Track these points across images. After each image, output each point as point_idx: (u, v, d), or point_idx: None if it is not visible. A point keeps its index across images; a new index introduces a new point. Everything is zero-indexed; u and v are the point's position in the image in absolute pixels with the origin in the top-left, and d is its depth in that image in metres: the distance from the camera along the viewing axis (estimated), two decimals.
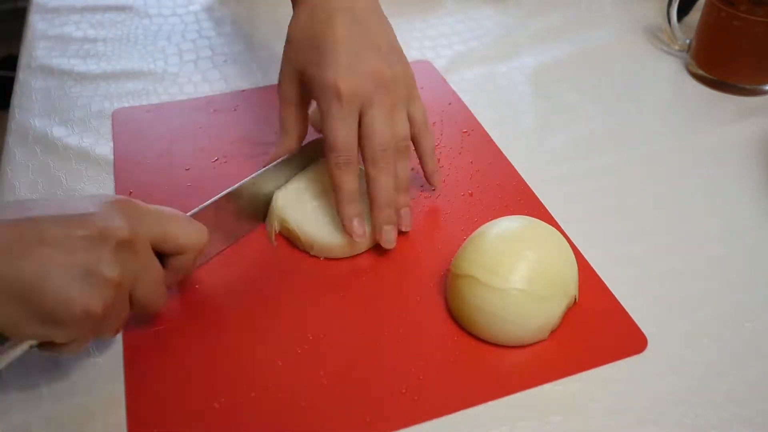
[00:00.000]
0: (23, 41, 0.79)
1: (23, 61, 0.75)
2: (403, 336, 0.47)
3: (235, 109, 0.68)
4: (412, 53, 0.78)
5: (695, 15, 0.76)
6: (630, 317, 0.49)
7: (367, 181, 0.51)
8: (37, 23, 0.81)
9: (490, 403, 0.44)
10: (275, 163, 0.55)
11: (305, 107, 0.55)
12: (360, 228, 0.50)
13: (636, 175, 0.62)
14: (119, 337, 0.47)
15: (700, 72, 0.74)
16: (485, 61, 0.77)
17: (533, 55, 0.79)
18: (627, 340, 0.47)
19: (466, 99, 0.70)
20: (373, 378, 0.45)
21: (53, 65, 0.74)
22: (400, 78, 0.52)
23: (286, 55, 0.53)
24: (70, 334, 0.38)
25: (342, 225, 0.51)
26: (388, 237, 0.51)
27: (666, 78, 0.75)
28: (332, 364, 0.46)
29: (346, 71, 0.49)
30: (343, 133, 0.49)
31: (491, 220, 0.49)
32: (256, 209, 0.54)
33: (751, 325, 0.49)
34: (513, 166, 0.62)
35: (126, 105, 0.68)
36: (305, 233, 0.51)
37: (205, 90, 0.72)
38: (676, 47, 0.78)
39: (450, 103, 0.70)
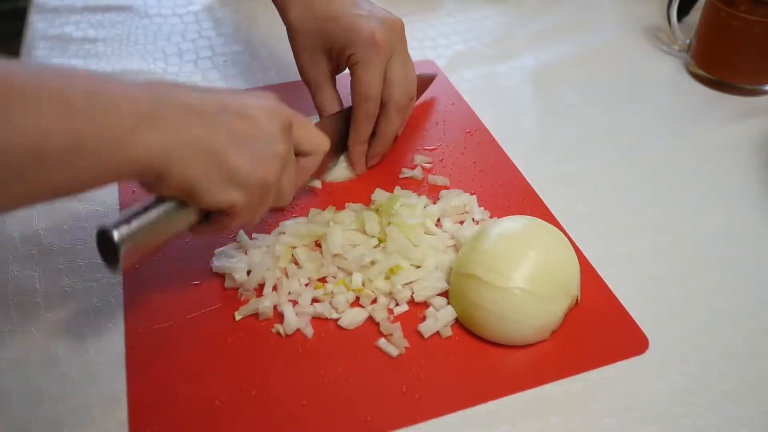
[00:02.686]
0: (23, 41, 0.79)
1: (23, 61, 0.75)
2: (405, 334, 0.47)
3: None
4: (412, 53, 0.78)
5: (695, 15, 0.76)
6: (631, 317, 0.49)
7: (382, 120, 0.58)
8: (37, 23, 0.81)
9: (490, 403, 0.44)
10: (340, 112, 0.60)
11: (335, 85, 0.60)
12: (363, 165, 0.60)
13: (636, 175, 0.62)
14: (120, 336, 0.47)
15: (700, 72, 0.74)
16: (485, 61, 0.77)
17: (533, 55, 0.79)
18: (628, 340, 0.47)
19: (466, 99, 0.70)
20: (373, 378, 0.45)
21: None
22: (403, 27, 0.59)
23: (299, 45, 0.58)
24: (244, 200, 0.41)
25: (350, 159, 0.60)
26: (374, 164, 0.61)
27: (666, 78, 0.75)
28: (333, 363, 0.46)
29: (377, 23, 0.55)
30: (377, 82, 0.55)
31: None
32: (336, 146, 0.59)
33: (751, 325, 0.49)
34: (516, 166, 0.62)
35: None
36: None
37: None
38: (676, 47, 0.78)
39: (453, 103, 0.70)
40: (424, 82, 0.68)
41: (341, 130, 0.59)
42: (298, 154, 0.47)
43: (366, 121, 0.57)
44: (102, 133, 0.34)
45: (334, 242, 0.51)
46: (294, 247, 0.52)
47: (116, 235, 0.38)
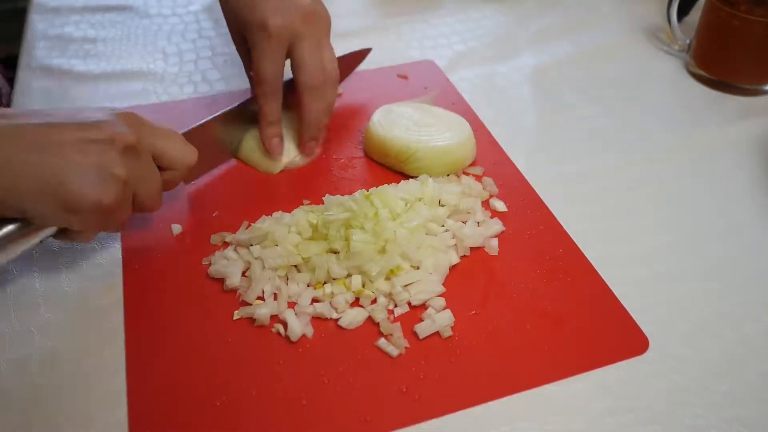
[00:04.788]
0: (23, 41, 0.79)
1: (23, 61, 0.75)
2: (405, 334, 0.47)
3: None
4: (412, 53, 0.79)
5: (695, 15, 0.76)
6: (631, 318, 0.49)
7: (300, 105, 0.59)
8: (37, 23, 0.81)
9: (490, 403, 0.44)
10: (241, 103, 0.61)
11: None
12: (278, 147, 0.60)
13: (636, 175, 0.62)
14: (120, 336, 0.47)
15: (700, 72, 0.74)
16: (485, 61, 0.77)
17: (533, 55, 0.79)
18: (628, 341, 0.47)
19: (466, 99, 0.70)
20: (373, 378, 0.45)
21: (53, 65, 0.74)
22: (323, 15, 0.59)
23: (227, 21, 0.61)
24: (84, 223, 0.45)
25: (263, 144, 0.60)
26: (312, 150, 0.62)
27: (666, 78, 0.75)
28: (333, 363, 0.46)
29: (274, 10, 0.55)
30: (270, 67, 0.56)
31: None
32: (230, 142, 0.62)
33: (751, 325, 0.49)
34: (516, 167, 0.62)
35: (126, 105, 0.68)
36: (247, 158, 0.62)
37: (205, 90, 0.72)
38: (676, 47, 0.78)
39: (454, 103, 0.70)
40: (357, 57, 0.71)
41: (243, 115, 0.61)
42: (162, 166, 0.50)
43: (264, 101, 0.58)
44: None
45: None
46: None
47: None
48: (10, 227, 0.44)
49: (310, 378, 0.45)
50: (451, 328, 0.47)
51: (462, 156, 0.60)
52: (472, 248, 0.53)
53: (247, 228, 0.54)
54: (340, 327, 0.48)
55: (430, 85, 0.72)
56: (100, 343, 0.47)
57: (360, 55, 0.72)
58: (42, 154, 0.42)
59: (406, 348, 0.46)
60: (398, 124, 0.60)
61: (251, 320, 0.48)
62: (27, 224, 0.45)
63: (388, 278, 0.50)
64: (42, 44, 0.77)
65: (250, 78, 0.62)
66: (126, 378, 0.45)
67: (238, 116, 0.61)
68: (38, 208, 0.43)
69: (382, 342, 0.47)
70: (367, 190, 0.54)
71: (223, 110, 0.59)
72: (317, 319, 0.48)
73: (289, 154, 0.61)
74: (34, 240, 0.45)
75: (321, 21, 0.58)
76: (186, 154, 0.51)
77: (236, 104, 0.60)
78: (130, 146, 0.45)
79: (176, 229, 0.55)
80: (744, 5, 0.68)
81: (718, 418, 0.43)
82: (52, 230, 0.46)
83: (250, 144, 0.62)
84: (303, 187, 0.59)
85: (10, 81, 0.74)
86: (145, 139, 0.47)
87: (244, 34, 0.58)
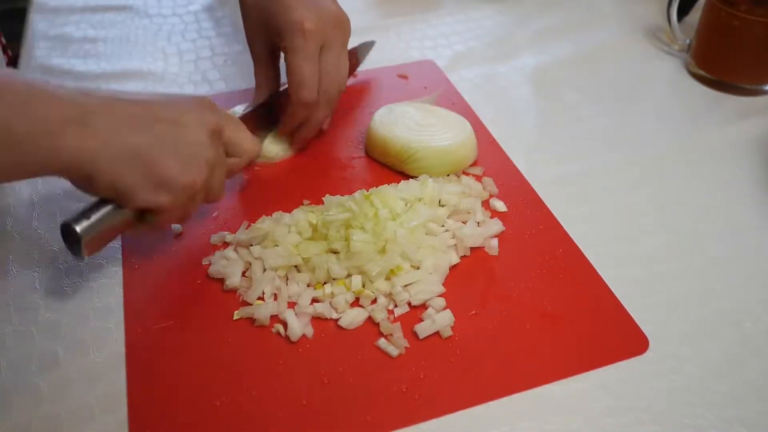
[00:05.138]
0: (23, 41, 0.79)
1: (23, 61, 0.75)
2: (405, 334, 0.47)
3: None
4: (412, 53, 0.79)
5: (695, 15, 0.76)
6: (631, 318, 0.49)
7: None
8: (37, 23, 0.81)
9: (490, 403, 0.44)
10: (251, 107, 0.61)
11: (275, 64, 0.62)
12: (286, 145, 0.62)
13: (636, 174, 0.62)
14: (120, 336, 0.47)
15: (700, 72, 0.74)
16: (485, 61, 0.77)
17: (533, 55, 0.79)
18: (628, 341, 0.47)
19: (466, 99, 0.70)
20: (373, 378, 0.45)
21: (53, 65, 0.74)
22: (348, 22, 0.60)
23: (248, 20, 0.60)
24: (171, 203, 0.44)
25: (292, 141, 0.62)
26: (305, 145, 0.63)
27: (666, 78, 0.75)
28: (333, 363, 0.46)
29: (309, 11, 0.55)
30: (311, 70, 0.56)
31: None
32: None
33: (751, 325, 0.49)
34: (516, 167, 0.62)
35: None
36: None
37: (205, 90, 0.72)
38: (676, 47, 0.78)
39: (454, 103, 0.70)
40: (363, 50, 0.72)
41: (264, 116, 0.61)
42: (229, 154, 0.50)
43: (301, 109, 0.58)
44: (30, 126, 0.38)
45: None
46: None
47: (78, 228, 0.43)
48: (107, 207, 0.44)
49: (310, 378, 0.45)
50: (451, 328, 0.47)
51: (463, 156, 0.60)
52: (472, 248, 0.53)
53: (247, 228, 0.54)
54: (340, 327, 0.48)
55: (430, 85, 0.72)
56: (100, 344, 0.47)
57: (364, 49, 0.72)
58: (137, 128, 0.42)
59: (406, 348, 0.46)
60: (399, 123, 0.60)
61: (251, 320, 0.48)
62: (117, 206, 0.44)
63: (388, 278, 0.50)
64: (42, 44, 0.77)
65: (266, 79, 0.62)
66: (126, 378, 0.45)
67: (258, 118, 0.61)
68: (129, 180, 0.42)
69: (382, 342, 0.47)
70: (367, 190, 0.54)
71: (250, 109, 0.60)
72: (317, 319, 0.48)
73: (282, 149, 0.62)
74: (120, 220, 0.45)
75: (347, 28, 0.59)
76: (253, 145, 0.51)
77: (255, 105, 0.61)
78: (216, 131, 0.46)
79: (176, 229, 0.55)
80: (744, 5, 0.67)
81: (718, 418, 0.43)
82: (132, 214, 0.45)
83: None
84: (303, 187, 0.59)
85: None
86: (219, 124, 0.47)
87: (276, 36, 0.57)
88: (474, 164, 0.62)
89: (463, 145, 0.59)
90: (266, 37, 0.59)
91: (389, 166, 0.61)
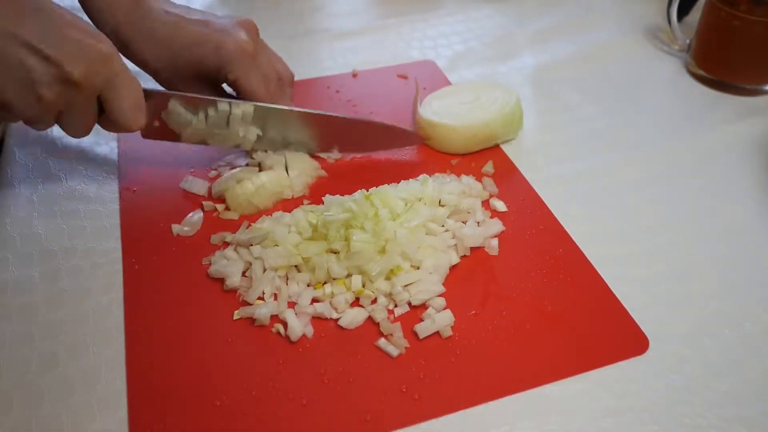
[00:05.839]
0: None
1: None
2: (405, 334, 0.47)
3: None
4: (412, 53, 0.79)
5: (695, 15, 0.76)
6: (631, 318, 0.49)
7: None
8: None
9: (490, 403, 0.44)
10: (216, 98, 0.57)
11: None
12: None
13: (636, 174, 0.62)
14: (120, 336, 0.47)
15: (700, 72, 0.74)
16: (485, 61, 0.77)
17: (533, 55, 0.79)
18: (628, 341, 0.47)
19: None
20: (373, 378, 0.45)
21: None
22: (254, 23, 0.59)
23: (168, 82, 0.57)
24: (16, 119, 0.48)
25: None
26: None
27: (666, 78, 0.75)
28: (333, 363, 0.46)
29: (236, 33, 0.56)
30: (261, 86, 0.57)
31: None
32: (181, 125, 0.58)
33: (751, 325, 0.49)
34: (516, 167, 0.62)
35: None
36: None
37: None
38: (676, 47, 0.78)
39: None
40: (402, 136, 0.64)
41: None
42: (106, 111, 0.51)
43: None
44: None
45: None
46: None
47: None
48: None
49: (310, 378, 0.45)
50: (451, 328, 0.47)
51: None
52: (472, 248, 0.53)
53: (247, 228, 0.54)
54: (340, 327, 0.48)
55: (429, 86, 0.72)
56: (100, 343, 0.47)
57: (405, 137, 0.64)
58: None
59: (406, 348, 0.46)
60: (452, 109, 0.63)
61: (251, 320, 0.48)
62: None
63: (388, 278, 0.50)
64: None
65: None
66: (126, 378, 0.45)
67: (203, 106, 0.56)
68: None
69: (382, 342, 0.47)
70: (367, 190, 0.54)
71: (195, 95, 0.56)
72: (317, 319, 0.48)
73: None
74: None
75: (257, 28, 0.59)
76: (129, 118, 0.51)
77: (212, 97, 0.57)
78: (71, 80, 0.46)
79: (176, 229, 0.55)
80: (744, 5, 0.68)
81: (718, 417, 0.43)
82: None
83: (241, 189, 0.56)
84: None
85: None
86: (97, 77, 0.48)
87: (220, 73, 0.56)
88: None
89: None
90: (203, 83, 0.57)
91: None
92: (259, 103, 0.57)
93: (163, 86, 0.58)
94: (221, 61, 0.55)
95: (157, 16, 0.56)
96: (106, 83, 0.49)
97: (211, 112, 0.56)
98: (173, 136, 0.58)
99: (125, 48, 0.56)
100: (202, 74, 0.56)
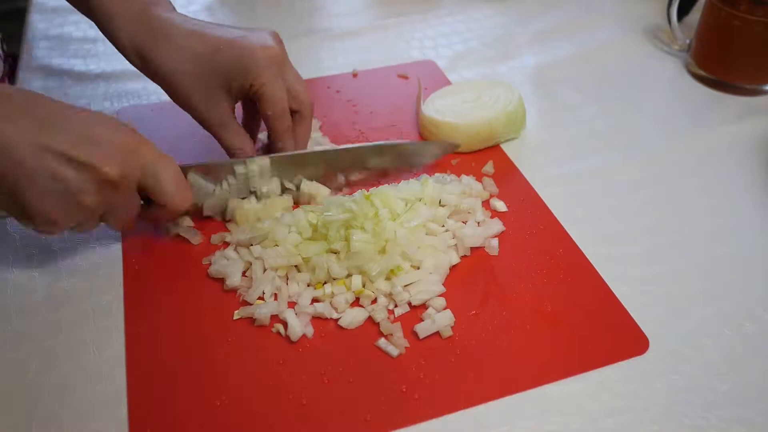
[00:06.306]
0: (23, 41, 0.79)
1: (23, 61, 0.75)
2: (405, 334, 0.47)
3: None
4: (412, 53, 0.79)
5: (695, 15, 0.76)
6: (631, 317, 0.49)
7: (299, 127, 0.57)
8: (37, 23, 0.81)
9: (490, 403, 0.44)
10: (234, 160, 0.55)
11: (235, 119, 0.56)
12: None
13: (636, 174, 0.62)
14: (120, 336, 0.47)
15: (700, 72, 0.74)
16: (485, 61, 0.77)
17: (533, 55, 0.79)
18: (628, 341, 0.47)
19: None
20: (373, 378, 0.45)
21: (53, 65, 0.74)
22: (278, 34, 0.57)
23: (187, 88, 0.53)
24: (35, 225, 0.45)
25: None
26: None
27: (666, 78, 0.75)
28: (333, 363, 0.46)
29: (262, 39, 0.54)
30: (285, 95, 0.55)
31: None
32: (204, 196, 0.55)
33: (751, 325, 0.49)
34: (516, 166, 0.62)
35: (126, 105, 0.68)
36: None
37: None
38: (676, 47, 0.78)
39: None
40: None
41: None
42: (151, 199, 0.48)
43: (289, 135, 0.56)
44: None
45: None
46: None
47: None
48: None
49: (310, 378, 0.45)
50: (451, 328, 0.47)
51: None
52: (472, 248, 0.53)
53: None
54: (340, 327, 0.48)
55: (429, 86, 0.72)
56: (100, 343, 0.47)
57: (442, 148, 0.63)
58: (10, 155, 0.41)
59: (406, 348, 0.46)
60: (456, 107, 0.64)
61: (251, 320, 0.48)
62: None
63: (388, 278, 0.50)
64: (42, 44, 0.77)
65: (244, 136, 0.56)
66: (126, 378, 0.45)
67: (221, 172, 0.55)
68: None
69: (382, 342, 0.47)
70: (368, 190, 0.54)
71: (210, 162, 0.54)
72: (317, 319, 0.48)
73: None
74: None
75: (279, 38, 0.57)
76: (177, 199, 0.48)
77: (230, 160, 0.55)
78: (109, 181, 0.44)
79: (176, 229, 0.55)
80: (744, 5, 0.67)
81: (718, 418, 0.43)
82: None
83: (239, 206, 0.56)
84: None
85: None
86: (134, 170, 0.46)
87: (246, 80, 0.53)
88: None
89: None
90: (227, 93, 0.54)
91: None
92: (273, 155, 0.55)
93: (180, 100, 0.54)
94: (249, 65, 0.53)
95: (176, 24, 0.53)
96: (144, 172, 0.46)
97: (231, 180, 0.55)
98: (195, 211, 0.55)
99: (143, 58, 0.53)
100: (227, 81, 0.53)
